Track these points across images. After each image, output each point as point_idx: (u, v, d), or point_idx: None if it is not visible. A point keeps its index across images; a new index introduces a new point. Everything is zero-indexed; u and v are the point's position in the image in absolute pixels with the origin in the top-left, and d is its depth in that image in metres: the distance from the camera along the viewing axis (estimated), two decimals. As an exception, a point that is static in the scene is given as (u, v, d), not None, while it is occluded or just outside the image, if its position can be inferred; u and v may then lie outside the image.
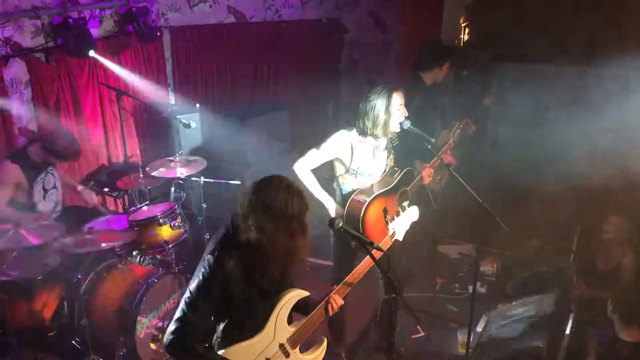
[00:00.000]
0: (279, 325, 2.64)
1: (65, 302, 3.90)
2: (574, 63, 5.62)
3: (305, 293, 2.73)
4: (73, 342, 3.90)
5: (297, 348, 2.72)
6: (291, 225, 2.46)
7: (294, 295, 2.68)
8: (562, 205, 5.42)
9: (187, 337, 2.44)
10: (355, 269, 2.85)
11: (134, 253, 4.56)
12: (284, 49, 6.87)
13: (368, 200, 3.57)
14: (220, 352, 2.53)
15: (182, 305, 2.49)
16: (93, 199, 4.90)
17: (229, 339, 2.56)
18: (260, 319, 2.61)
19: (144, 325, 3.94)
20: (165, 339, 2.47)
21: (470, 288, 4.66)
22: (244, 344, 2.56)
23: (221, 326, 2.59)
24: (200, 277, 2.49)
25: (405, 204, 3.17)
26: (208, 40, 6.23)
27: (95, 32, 5.17)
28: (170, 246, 4.46)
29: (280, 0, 6.71)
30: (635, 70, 5.11)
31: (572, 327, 4.12)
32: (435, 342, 4.45)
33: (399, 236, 3.11)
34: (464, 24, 6.63)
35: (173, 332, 2.45)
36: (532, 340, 4.18)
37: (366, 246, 2.69)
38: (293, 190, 2.49)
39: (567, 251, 4.96)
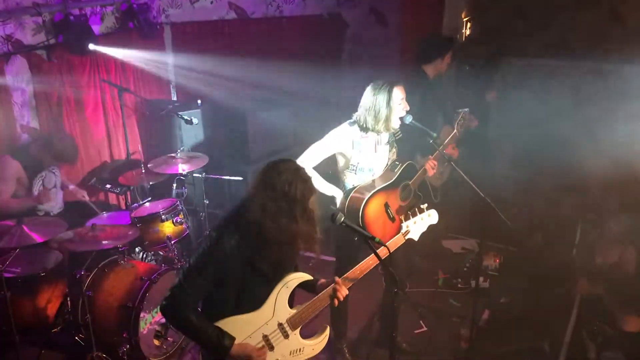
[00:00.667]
0: (278, 305, 2.66)
1: (68, 299, 3.91)
2: (576, 58, 5.61)
3: (308, 277, 2.76)
4: (76, 338, 3.91)
5: (297, 330, 2.74)
6: (294, 209, 2.51)
7: (296, 277, 2.71)
8: (565, 200, 5.40)
9: (179, 305, 2.49)
10: (359, 265, 2.85)
11: (137, 249, 4.58)
12: (285, 45, 6.87)
13: (368, 195, 3.57)
14: (216, 324, 2.55)
15: (179, 274, 2.54)
16: (85, 197, 4.93)
17: (225, 312, 2.58)
18: (259, 298, 2.63)
19: (147, 321, 3.96)
20: (161, 306, 2.54)
21: (473, 283, 4.69)
22: (240, 316, 2.59)
23: (217, 300, 2.60)
24: (200, 252, 2.55)
25: (424, 206, 3.15)
26: (209, 37, 6.22)
27: (96, 28, 5.16)
28: (172, 242, 4.48)
29: (281, -4, 6.71)
30: (636, 64, 5.10)
31: (574, 323, 4.14)
32: (438, 337, 4.44)
33: (414, 236, 3.11)
34: (466, 19, 6.62)
35: (167, 299, 2.51)
36: (535, 338, 4.21)
37: (368, 241, 2.69)
38: (300, 174, 2.55)
39: (570, 246, 4.96)
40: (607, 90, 5.27)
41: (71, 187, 4.94)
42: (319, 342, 2.83)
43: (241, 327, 2.58)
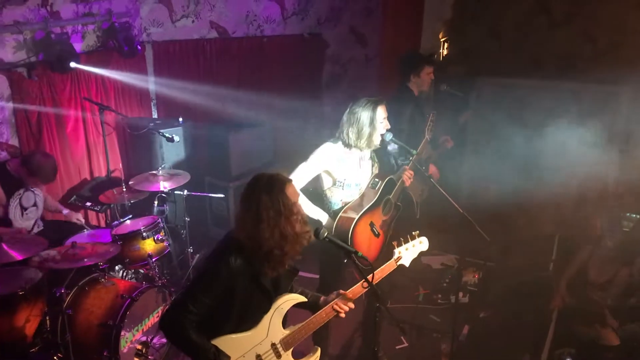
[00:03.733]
0: (272, 325, 2.69)
1: (47, 317, 3.86)
2: (549, 78, 5.75)
3: (302, 298, 2.80)
4: (56, 357, 3.85)
5: (290, 351, 2.77)
6: (280, 218, 2.54)
7: (290, 299, 2.75)
8: (540, 216, 5.51)
9: (180, 321, 2.50)
10: (353, 288, 2.88)
11: (117, 267, 4.55)
12: (266, 64, 6.93)
13: (356, 217, 3.60)
14: (212, 341, 2.57)
15: (183, 293, 2.56)
16: (80, 219, 4.92)
17: (223, 330, 2.60)
18: (256, 316, 2.66)
19: (128, 339, 3.92)
20: (160, 320, 2.57)
21: (453, 298, 4.74)
22: (234, 335, 2.62)
23: (218, 318, 2.61)
24: (206, 274, 2.57)
25: (415, 233, 3.20)
26: (190, 55, 6.27)
27: (77, 47, 5.18)
28: (153, 260, 4.46)
29: (262, 16, 6.79)
30: (609, 85, 5.25)
31: (553, 335, 4.20)
32: (419, 353, 4.48)
33: (406, 262, 3.15)
34: (443, 39, 6.76)
35: (169, 316, 2.54)
36: (514, 352, 4.26)
37: (351, 255, 2.72)
38: (274, 183, 2.57)
39: (547, 260, 5.04)
40: (580, 110, 5.40)
41: (65, 211, 4.92)
42: None
43: (236, 346, 2.61)
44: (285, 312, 2.74)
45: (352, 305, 2.82)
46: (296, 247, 2.61)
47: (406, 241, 3.14)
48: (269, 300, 2.69)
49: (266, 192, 2.54)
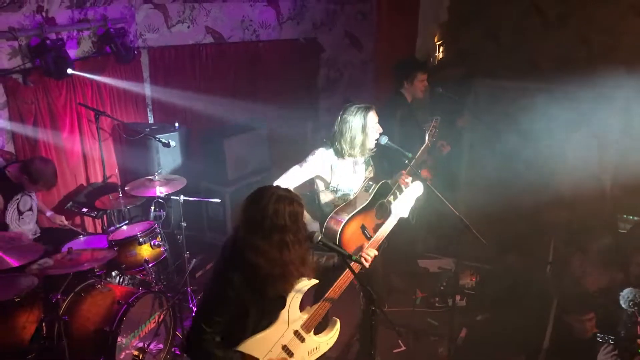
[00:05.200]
0: (292, 314, 2.73)
1: (43, 324, 3.83)
2: (545, 80, 5.77)
3: (315, 281, 2.80)
4: (52, 364, 3.84)
5: (312, 332, 2.82)
6: (286, 236, 2.49)
7: (304, 286, 2.76)
8: (538, 218, 5.51)
9: (203, 345, 2.52)
10: (336, 282, 2.89)
11: (114, 273, 4.53)
12: (262, 69, 6.94)
13: (345, 220, 3.60)
14: (237, 349, 2.59)
15: (198, 317, 2.59)
16: (63, 221, 4.90)
17: (243, 334, 2.62)
18: (274, 314, 2.68)
19: (125, 345, 3.91)
20: (186, 351, 2.61)
21: (450, 301, 4.74)
22: (258, 335, 2.64)
23: (237, 328, 2.61)
24: (215, 296, 2.57)
25: (408, 179, 3.19)
26: (186, 61, 6.27)
27: (73, 53, 5.18)
28: (150, 265, 4.45)
29: (257, 21, 6.79)
30: (604, 87, 5.26)
31: (549, 339, 4.20)
32: (417, 356, 4.47)
33: (404, 213, 3.14)
34: (439, 42, 6.78)
35: (189, 341, 2.56)
36: (512, 355, 4.26)
37: (345, 259, 2.73)
38: (281, 198, 2.50)
39: (544, 263, 5.05)
40: (576, 112, 5.41)
41: (48, 213, 4.91)
42: (332, 336, 2.96)
43: (261, 345, 2.65)
44: (301, 297, 2.75)
45: (374, 253, 2.88)
46: (291, 272, 2.57)
47: (400, 192, 3.19)
48: (282, 299, 2.69)
49: (274, 213, 2.46)
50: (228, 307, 2.52)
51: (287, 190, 2.58)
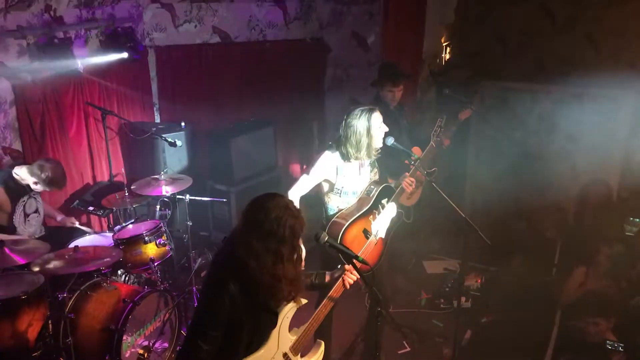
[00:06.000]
0: (282, 336, 2.69)
1: (49, 322, 3.85)
2: (552, 82, 5.75)
3: (304, 301, 2.77)
4: (58, 362, 3.86)
5: (299, 355, 2.80)
6: (282, 249, 2.45)
7: (294, 306, 2.73)
8: (544, 220, 5.50)
9: None
10: (337, 283, 2.88)
11: (119, 272, 4.55)
12: (268, 69, 6.94)
13: (346, 223, 3.59)
14: None
15: (191, 333, 2.49)
16: (74, 222, 4.91)
17: (235, 355, 2.56)
18: (266, 333, 2.64)
19: (130, 344, 3.92)
20: None
21: (455, 303, 4.73)
22: (251, 357, 2.60)
23: (229, 344, 2.53)
24: (208, 306, 2.49)
25: (384, 201, 3.23)
26: (193, 60, 6.28)
27: (81, 52, 5.20)
28: (155, 264, 4.46)
29: (264, 21, 6.80)
30: (611, 89, 5.25)
31: (555, 340, 4.19)
32: (421, 357, 4.47)
33: (382, 234, 3.22)
34: (446, 43, 6.76)
35: (182, 356, 2.50)
36: (516, 357, 4.25)
37: (352, 260, 2.72)
38: (289, 211, 2.46)
39: (550, 265, 5.03)
40: (582, 113, 5.40)
41: (59, 218, 4.91)
42: (317, 358, 2.93)
43: None
44: (290, 318, 2.73)
45: (357, 275, 2.82)
46: (281, 286, 2.53)
47: (378, 214, 3.26)
48: (275, 315, 2.65)
49: (276, 221, 2.42)
50: (223, 317, 2.43)
51: (294, 206, 2.53)
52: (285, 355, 2.71)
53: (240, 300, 2.44)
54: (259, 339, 2.62)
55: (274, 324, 2.65)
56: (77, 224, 4.92)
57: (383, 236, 3.20)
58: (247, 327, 2.52)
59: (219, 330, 2.44)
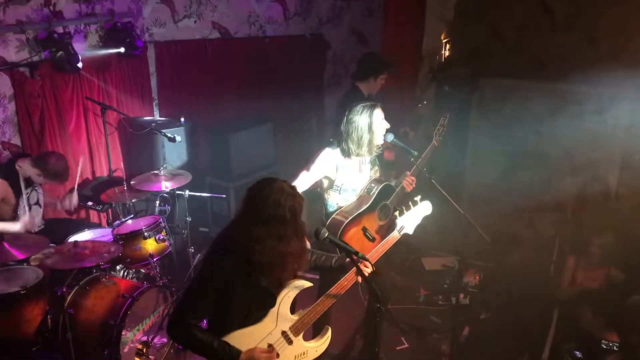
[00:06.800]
0: (280, 314, 2.69)
1: (49, 317, 3.86)
2: (552, 80, 5.76)
3: (308, 284, 2.77)
4: (57, 356, 3.86)
5: (300, 335, 2.78)
6: (285, 229, 2.49)
7: (296, 286, 2.73)
8: (542, 217, 5.51)
9: (183, 326, 2.54)
10: (340, 280, 2.88)
11: (118, 267, 4.54)
12: (268, 64, 6.93)
13: (346, 221, 3.60)
14: (223, 339, 2.58)
15: (182, 300, 2.65)
16: (74, 202, 4.81)
17: (230, 327, 2.61)
18: (262, 312, 2.66)
19: (129, 339, 3.93)
20: (168, 331, 2.64)
21: (454, 299, 4.75)
22: (245, 329, 2.62)
23: (224, 319, 2.62)
24: (198, 277, 2.60)
25: (417, 198, 3.18)
26: (192, 55, 6.27)
27: (80, 46, 5.18)
28: (155, 259, 4.47)
29: (264, 17, 6.79)
30: (610, 87, 5.25)
31: (552, 338, 4.21)
32: (419, 353, 4.48)
33: (409, 230, 3.14)
34: (445, 40, 6.76)
35: (172, 320, 2.62)
36: (514, 353, 4.27)
37: (352, 256, 2.73)
38: (285, 192, 2.49)
39: (548, 262, 5.05)
40: (581, 112, 5.41)
41: (59, 206, 4.87)
42: (322, 344, 2.90)
43: (247, 340, 2.62)
44: (292, 299, 2.73)
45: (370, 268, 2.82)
46: (288, 264, 2.57)
47: (408, 208, 3.14)
48: (272, 296, 2.67)
49: (275, 204, 2.45)
50: (211, 292, 2.52)
51: (290, 185, 2.57)
52: (284, 333, 2.71)
53: (233, 279, 2.51)
54: (254, 316, 2.64)
55: (271, 304, 2.67)
56: (76, 202, 4.83)
57: (410, 232, 3.14)
58: (239, 303, 2.57)
59: (207, 302, 2.54)
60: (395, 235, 3.08)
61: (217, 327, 2.62)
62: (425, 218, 3.25)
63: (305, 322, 2.78)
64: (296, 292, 2.73)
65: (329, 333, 2.92)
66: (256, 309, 2.64)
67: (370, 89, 4.98)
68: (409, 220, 3.14)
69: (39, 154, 4.68)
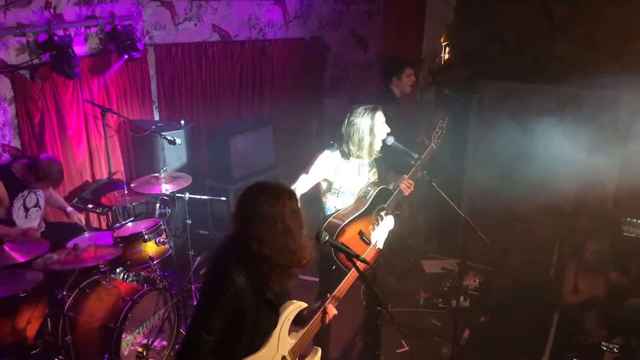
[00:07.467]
0: (282, 338, 2.69)
1: (48, 320, 3.86)
2: (551, 82, 5.76)
3: (304, 304, 2.78)
4: (57, 359, 3.86)
5: (297, 358, 2.79)
6: (291, 227, 2.46)
7: (295, 308, 2.74)
8: (542, 220, 5.51)
9: (201, 354, 2.39)
10: (342, 283, 2.89)
11: (118, 270, 4.55)
12: (267, 67, 6.94)
13: (342, 224, 3.60)
14: None
15: (193, 325, 2.45)
16: (81, 220, 4.91)
17: (235, 354, 2.54)
18: (266, 333, 2.63)
19: (129, 342, 3.93)
20: (177, 353, 2.53)
21: (454, 302, 4.75)
22: (250, 358, 2.57)
23: (230, 341, 2.50)
24: (211, 296, 2.45)
25: (382, 213, 3.23)
26: (193, 58, 6.28)
27: (80, 49, 5.19)
28: (155, 262, 4.47)
29: (264, 20, 6.80)
30: (610, 89, 5.26)
31: (552, 341, 4.21)
32: (420, 356, 4.48)
33: (380, 245, 3.19)
34: (445, 43, 6.76)
35: (185, 348, 2.44)
36: (514, 356, 4.26)
37: (352, 259, 2.73)
38: (280, 192, 2.48)
39: (548, 265, 5.05)
40: (581, 114, 5.41)
41: (69, 209, 4.91)
42: None
43: None
44: (291, 321, 2.72)
45: (334, 312, 2.81)
46: (299, 260, 2.54)
47: (377, 225, 3.22)
48: (276, 314, 2.65)
49: (277, 201, 2.45)
50: (227, 309, 2.40)
51: (277, 183, 2.55)
52: (283, 357, 2.71)
53: (244, 292, 2.43)
54: (260, 338, 2.62)
55: (275, 323, 2.65)
56: (83, 223, 4.91)
57: (381, 247, 3.18)
58: (249, 322, 2.49)
59: (222, 321, 2.41)
60: (371, 250, 3.14)
61: (223, 352, 2.49)
62: (392, 231, 3.28)
63: (302, 344, 2.78)
64: (295, 313, 2.74)
65: (319, 354, 2.94)
66: (262, 330, 2.61)
67: (399, 87, 5.16)
68: (379, 235, 3.18)
69: (33, 156, 4.68)
